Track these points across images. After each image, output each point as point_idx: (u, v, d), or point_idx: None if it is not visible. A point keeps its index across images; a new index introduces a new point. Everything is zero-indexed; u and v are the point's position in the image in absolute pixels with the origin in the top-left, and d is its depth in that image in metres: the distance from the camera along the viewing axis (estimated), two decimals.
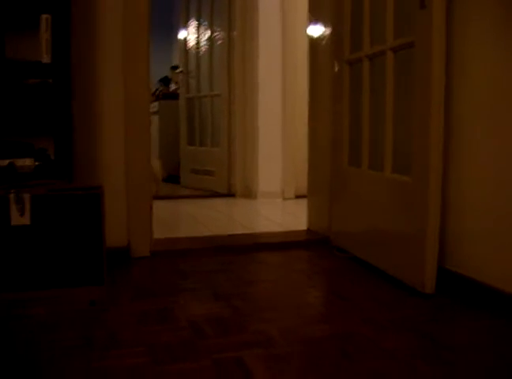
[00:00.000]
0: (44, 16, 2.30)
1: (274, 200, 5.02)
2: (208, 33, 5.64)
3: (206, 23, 5.66)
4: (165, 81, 7.61)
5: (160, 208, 4.65)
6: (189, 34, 5.94)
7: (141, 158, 2.90)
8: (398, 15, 2.46)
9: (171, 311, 2.11)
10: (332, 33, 3.12)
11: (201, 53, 5.78)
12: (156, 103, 6.89)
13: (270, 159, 5.11)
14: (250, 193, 5.25)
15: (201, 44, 5.75)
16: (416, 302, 2.21)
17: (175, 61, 7.54)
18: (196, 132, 5.94)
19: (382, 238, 2.62)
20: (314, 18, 3.37)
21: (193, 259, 2.94)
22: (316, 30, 3.33)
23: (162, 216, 4.24)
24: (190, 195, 5.50)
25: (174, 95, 6.50)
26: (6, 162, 2.33)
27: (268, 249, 3.15)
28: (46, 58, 2.28)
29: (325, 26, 3.22)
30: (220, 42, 5.47)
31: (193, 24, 5.86)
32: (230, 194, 5.44)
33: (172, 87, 7.27)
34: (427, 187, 2.22)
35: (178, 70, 6.02)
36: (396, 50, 2.46)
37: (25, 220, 2.15)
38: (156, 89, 7.25)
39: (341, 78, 2.98)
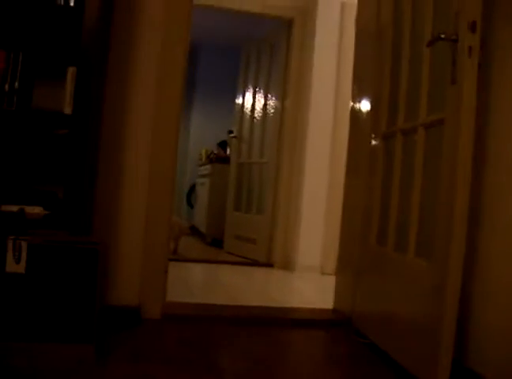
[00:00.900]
0: (71, 68, 2.31)
1: (312, 274, 4.83)
2: (262, 100, 5.66)
3: (262, 90, 5.70)
4: (223, 145, 7.69)
5: (191, 270, 4.60)
6: (245, 100, 6.00)
7: (162, 216, 2.84)
8: (433, 91, 2.34)
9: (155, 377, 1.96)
10: (371, 107, 3.02)
11: (255, 119, 5.80)
12: (208, 166, 6.94)
13: (312, 231, 4.96)
14: (288, 265, 5.09)
15: (256, 111, 5.78)
16: None
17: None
18: (243, 198, 5.89)
19: (399, 326, 2.40)
20: (357, 91, 3.29)
21: (204, 327, 2.79)
22: (357, 103, 3.25)
23: (191, 279, 4.14)
24: (226, 261, 5.38)
25: (227, 159, 6.50)
26: (16, 208, 2.31)
27: (285, 326, 2.97)
28: (67, 110, 2.28)
29: (366, 100, 3.12)
30: (273, 110, 5.47)
31: (250, 90, 5.92)
32: (269, 264, 5.29)
33: (229, 151, 7.33)
34: (446, 273, 2.02)
35: (232, 135, 6.04)
36: (427, 126, 2.33)
37: (20, 268, 2.09)
38: (211, 152, 7.31)
39: (376, 152, 2.85)
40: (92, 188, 2.60)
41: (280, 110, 5.37)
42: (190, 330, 2.71)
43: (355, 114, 3.30)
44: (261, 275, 4.73)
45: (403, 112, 2.60)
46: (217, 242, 6.40)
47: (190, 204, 8.50)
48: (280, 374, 2.21)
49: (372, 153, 2.95)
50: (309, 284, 4.36)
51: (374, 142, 2.92)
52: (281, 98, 5.37)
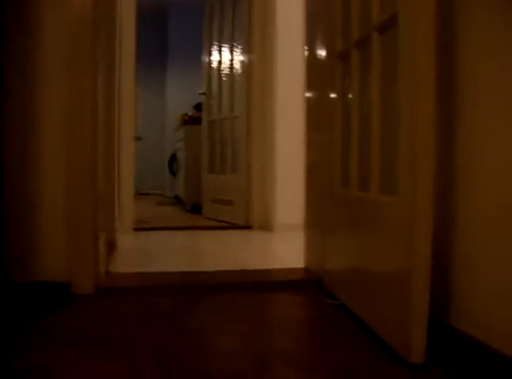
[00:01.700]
0: None
1: (292, 233, 4.39)
2: (229, 55, 5.25)
3: (227, 45, 5.30)
4: (199, 107, 7.20)
5: (160, 239, 4.19)
6: (212, 56, 5.56)
7: (85, 180, 2.40)
8: None
9: (47, 371, 1.55)
10: (325, 35, 2.57)
11: (223, 75, 5.38)
12: (182, 129, 6.49)
13: (290, 187, 4.51)
14: (267, 226, 4.68)
15: (223, 66, 5.38)
16: (398, 374, 1.56)
17: None
18: (216, 158, 5.46)
19: (367, 281, 1.99)
20: (310, 32, 2.84)
21: (148, 298, 2.39)
22: (313, 46, 2.81)
23: (151, 248, 3.73)
24: (200, 226, 4.96)
25: (199, 120, 6.04)
26: None
27: (247, 290, 2.56)
28: None
29: (320, 38, 2.69)
30: (240, 64, 5.05)
31: (215, 45, 5.49)
32: (247, 226, 4.87)
33: None
34: (414, 209, 1.59)
35: (200, 92, 5.57)
36: (381, 30, 1.87)
37: None
38: (185, 114, 6.84)
39: (334, 75, 2.40)
40: None
41: (247, 64, 4.91)
42: (130, 303, 2.30)
43: (311, 61, 2.86)
44: (236, 238, 4.32)
45: (356, 23, 2.13)
46: (197, 209, 5.98)
47: (173, 172, 8.06)
48: (229, 345, 1.78)
49: (330, 76, 2.49)
50: (286, 243, 3.94)
51: (330, 64, 2.45)
52: (247, 51, 4.90)
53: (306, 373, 1.59)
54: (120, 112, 4.42)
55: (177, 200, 7.49)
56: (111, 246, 3.50)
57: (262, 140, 4.77)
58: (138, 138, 9.29)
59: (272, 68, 4.60)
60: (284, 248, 3.86)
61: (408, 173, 1.62)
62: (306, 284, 2.67)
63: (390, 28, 1.79)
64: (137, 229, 4.65)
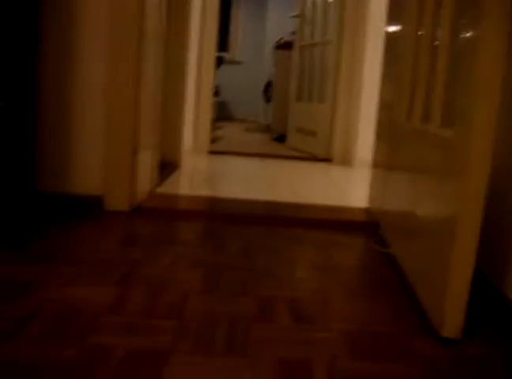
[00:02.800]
0: None
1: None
2: None
3: None
4: None
5: (226, 163, 4.02)
6: None
7: (127, 95, 2.22)
8: None
9: (29, 286, 1.43)
10: None
11: None
12: (275, 54, 6.18)
13: (373, 123, 4.15)
14: (347, 160, 4.38)
15: None
16: (427, 351, 1.30)
17: None
18: (305, 86, 5.13)
19: (413, 230, 1.69)
20: None
21: (183, 223, 2.23)
22: None
23: (216, 172, 3.57)
24: (278, 155, 4.72)
25: (290, 45, 5.68)
26: None
27: (298, 226, 2.34)
28: None
29: None
30: None
31: None
32: (328, 159, 4.58)
33: None
34: (469, 145, 1.27)
35: (293, 14, 5.20)
36: None
37: None
38: (281, 38, 6.49)
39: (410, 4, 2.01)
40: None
41: None
42: (157, 226, 2.15)
43: None
44: (311, 170, 4.05)
45: None
46: (282, 138, 5.74)
47: (268, 99, 7.79)
48: (258, 285, 1.59)
49: (407, 6, 2.11)
50: (360, 180, 3.63)
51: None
52: None
53: (318, 326, 1.35)
54: (203, 33, 4.21)
55: (268, 128, 7.27)
56: (173, 167, 3.38)
57: (351, 70, 4.40)
58: (237, 62, 9.11)
59: None
60: (356, 185, 3.57)
61: (468, 101, 1.29)
62: (364, 227, 2.40)
63: None
64: (212, 152, 4.50)
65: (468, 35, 1.36)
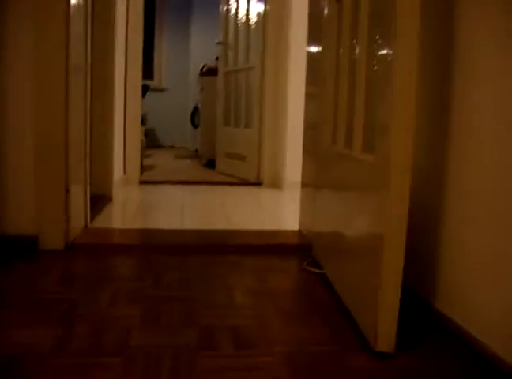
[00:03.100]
0: None
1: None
2: (245, 5, 4.92)
3: None
4: None
5: (158, 192, 4.03)
6: (229, 5, 5.26)
7: (56, 131, 2.23)
8: None
9: None
10: None
11: (239, 25, 5.06)
12: (200, 80, 6.26)
13: (300, 144, 4.28)
14: (277, 183, 4.48)
15: (240, 16, 5.05)
16: (364, 366, 1.37)
17: None
18: (231, 111, 5.23)
19: (342, 249, 1.78)
20: None
21: (119, 257, 2.24)
22: None
23: (147, 202, 3.58)
24: (207, 181, 4.78)
25: (216, 71, 5.78)
26: None
27: (230, 253, 2.39)
28: None
29: None
30: (255, 14, 4.73)
31: None
32: (258, 183, 4.68)
33: None
34: (389, 168, 1.36)
35: (217, 41, 5.31)
36: None
37: None
38: (204, 65, 6.58)
39: (329, 19, 2.13)
40: None
41: (263, 13, 4.61)
42: (94, 262, 2.15)
43: (312, 10, 2.56)
44: (241, 195, 4.12)
45: None
46: (212, 163, 5.79)
47: (195, 125, 7.84)
48: (199, 314, 1.62)
49: (326, 23, 2.23)
50: (290, 202, 3.73)
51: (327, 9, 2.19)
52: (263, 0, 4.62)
53: (260, 350, 1.40)
54: (127, 63, 4.23)
55: (197, 154, 7.32)
56: (105, 200, 3.36)
57: (275, 94, 4.54)
58: (162, 90, 9.13)
59: (288, 18, 4.30)
60: (287, 208, 3.66)
61: (384, 130, 1.39)
62: (297, 249, 2.48)
63: None
64: (142, 182, 4.50)
65: (383, 54, 1.47)
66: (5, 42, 2.18)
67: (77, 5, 2.33)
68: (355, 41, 1.81)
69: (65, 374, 1.24)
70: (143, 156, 4.95)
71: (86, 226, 2.60)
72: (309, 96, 2.67)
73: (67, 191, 2.27)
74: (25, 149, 2.23)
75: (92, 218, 2.77)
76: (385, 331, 1.40)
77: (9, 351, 1.33)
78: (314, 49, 2.53)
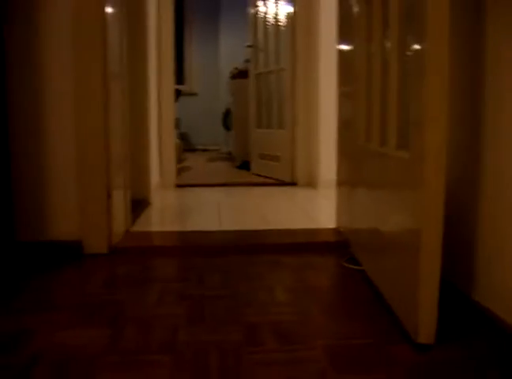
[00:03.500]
0: None
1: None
2: (273, 7, 4.97)
3: None
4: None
5: (195, 195, 4.10)
6: (257, 8, 5.31)
7: (95, 138, 2.30)
8: None
9: (22, 336, 1.48)
10: None
11: (268, 27, 5.11)
12: (230, 83, 6.33)
13: (333, 143, 4.29)
14: (311, 182, 4.51)
15: (268, 18, 5.09)
16: (405, 358, 1.40)
17: None
18: (263, 113, 5.28)
19: (380, 245, 1.80)
20: None
21: (161, 259, 2.31)
22: None
23: (185, 205, 3.64)
24: (243, 183, 4.82)
25: (247, 73, 5.83)
26: None
27: (270, 253, 2.44)
28: None
29: None
30: (285, 15, 4.77)
31: None
32: (292, 183, 4.71)
33: None
34: (423, 165, 1.39)
35: (247, 44, 5.36)
36: None
37: None
38: (235, 68, 6.64)
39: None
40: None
41: (292, 15, 4.65)
42: (137, 265, 2.22)
43: (343, 10, 2.58)
44: (276, 195, 4.16)
45: None
46: (246, 164, 5.85)
47: (227, 128, 7.91)
48: (242, 312, 1.67)
49: (356, 23, 2.26)
50: (325, 201, 3.75)
51: (357, 9, 2.21)
52: (292, 2, 4.65)
53: (303, 345, 1.44)
54: (160, 69, 4.32)
55: (230, 156, 7.38)
56: (144, 204, 3.44)
57: (307, 94, 4.57)
58: (193, 94, 9.24)
59: (317, 19, 4.32)
60: (323, 206, 3.69)
61: (418, 127, 1.42)
62: (335, 247, 2.51)
63: None
64: (179, 185, 4.58)
65: (414, 51, 1.49)
66: (46, 54, 2.26)
67: (113, 15, 2.40)
68: (386, 39, 1.84)
69: (119, 371, 1.29)
70: (179, 160, 5.03)
71: (127, 230, 2.67)
72: (342, 95, 2.69)
73: (109, 196, 2.34)
74: (67, 157, 2.31)
75: (133, 222, 2.84)
76: (425, 323, 1.42)
77: (63, 351, 1.39)
78: (345, 48, 2.56)
